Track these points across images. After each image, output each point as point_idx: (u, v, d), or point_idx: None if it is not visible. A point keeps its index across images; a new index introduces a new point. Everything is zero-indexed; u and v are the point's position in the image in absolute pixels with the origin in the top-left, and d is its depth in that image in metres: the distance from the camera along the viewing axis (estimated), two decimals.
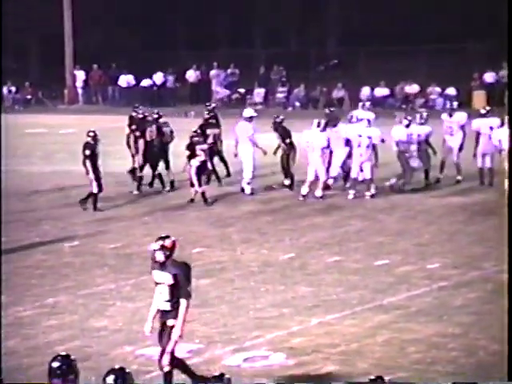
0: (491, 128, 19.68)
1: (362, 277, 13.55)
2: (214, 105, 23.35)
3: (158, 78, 39.98)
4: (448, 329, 11.25)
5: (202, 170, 18.69)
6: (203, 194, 18.60)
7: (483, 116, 20.22)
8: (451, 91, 36.25)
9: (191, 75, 40.45)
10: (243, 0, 44.36)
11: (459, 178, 20.10)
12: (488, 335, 11.03)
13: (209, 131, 20.44)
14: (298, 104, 38.25)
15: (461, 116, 20.80)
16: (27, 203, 19.48)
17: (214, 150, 20.20)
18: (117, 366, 7.06)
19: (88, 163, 18.31)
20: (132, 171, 20.74)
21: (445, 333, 11.12)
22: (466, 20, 40.20)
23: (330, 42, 45.72)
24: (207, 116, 21.14)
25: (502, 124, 19.28)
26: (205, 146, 19.01)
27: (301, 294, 12.78)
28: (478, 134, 19.83)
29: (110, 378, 6.92)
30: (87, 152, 18.33)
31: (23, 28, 43.27)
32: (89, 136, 18.64)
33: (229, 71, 40.27)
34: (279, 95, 39.15)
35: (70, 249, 15.59)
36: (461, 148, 20.20)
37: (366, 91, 37.71)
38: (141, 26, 44.13)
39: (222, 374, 8.38)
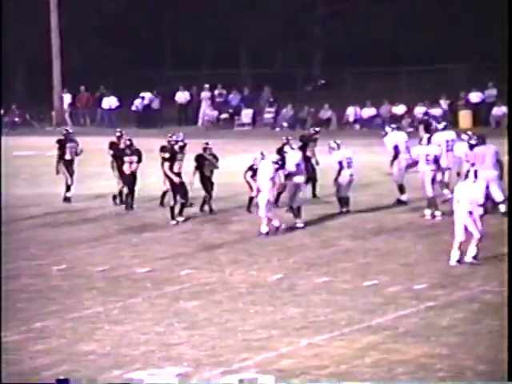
0: (447, 141, 20.21)
1: (351, 297, 13.53)
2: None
3: (147, 98, 39.99)
4: (435, 349, 11.23)
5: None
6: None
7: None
8: (436, 111, 36.41)
9: (180, 96, 40.51)
10: (229, 20, 44.51)
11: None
12: (475, 355, 11.03)
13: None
14: (285, 124, 38.32)
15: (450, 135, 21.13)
16: (13, 226, 19.36)
17: None
18: (61, 377, 6.98)
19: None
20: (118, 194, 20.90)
21: (432, 353, 11.10)
22: (450, 40, 40.42)
23: (316, 62, 45.90)
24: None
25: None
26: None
27: (289, 315, 12.74)
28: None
29: None
30: None
31: (10, 51, 43.29)
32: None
33: (216, 92, 40.35)
34: (267, 115, 39.25)
35: (58, 272, 15.51)
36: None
37: (351, 111, 37.87)
38: (128, 47, 44.20)
39: None
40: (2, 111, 40.97)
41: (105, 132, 35.44)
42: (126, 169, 20.27)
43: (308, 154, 20.67)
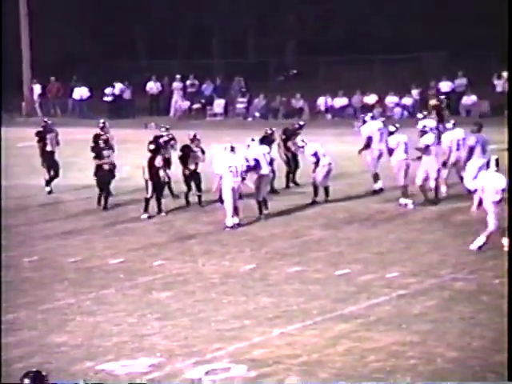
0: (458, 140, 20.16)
1: (323, 286, 13.57)
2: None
3: (117, 88, 39.89)
4: (407, 337, 11.31)
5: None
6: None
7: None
8: (407, 101, 36.56)
9: (152, 86, 40.39)
10: (202, 10, 44.43)
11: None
12: (445, 342, 11.12)
13: None
14: (257, 114, 38.33)
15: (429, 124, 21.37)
16: None
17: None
18: (34, 369, 7.01)
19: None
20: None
21: (403, 341, 11.18)
22: (421, 30, 40.56)
23: (288, 52, 45.90)
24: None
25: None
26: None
27: (262, 305, 12.77)
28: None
29: (27, 380, 6.92)
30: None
31: None
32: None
33: (188, 82, 40.28)
34: (239, 106, 39.21)
35: (29, 264, 15.47)
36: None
37: (322, 101, 37.94)
38: (100, 37, 44.02)
39: None
40: None
41: (77, 123, 35.39)
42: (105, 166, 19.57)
43: (289, 145, 20.85)
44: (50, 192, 21.44)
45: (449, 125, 21.08)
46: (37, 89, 40.95)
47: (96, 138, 20.97)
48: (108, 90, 39.69)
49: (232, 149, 18.04)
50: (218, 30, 45.98)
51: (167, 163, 19.26)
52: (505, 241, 14.84)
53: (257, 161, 18.26)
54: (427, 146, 18.58)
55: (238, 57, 43.53)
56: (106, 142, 20.39)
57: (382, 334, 11.44)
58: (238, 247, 16.15)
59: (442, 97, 32.83)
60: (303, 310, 12.47)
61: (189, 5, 43.91)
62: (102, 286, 13.95)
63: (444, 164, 19.73)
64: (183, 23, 45.07)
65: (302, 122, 22.22)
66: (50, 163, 21.50)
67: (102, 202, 19.50)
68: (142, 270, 14.90)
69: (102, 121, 22.57)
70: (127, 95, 39.94)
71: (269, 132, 20.70)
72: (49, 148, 21.62)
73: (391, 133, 19.51)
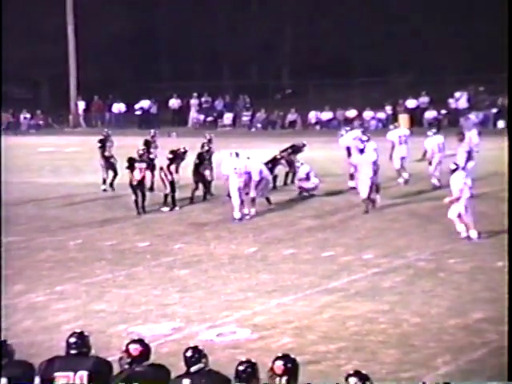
0: (399, 137, 20.82)
1: (312, 266, 13.53)
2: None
3: (146, 105, 39.88)
4: (379, 306, 11.28)
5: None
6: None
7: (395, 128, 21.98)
8: (381, 115, 36.51)
9: (173, 103, 40.39)
10: (215, 41, 44.43)
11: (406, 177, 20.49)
12: (410, 310, 11.09)
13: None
14: (259, 126, 38.29)
15: (397, 133, 21.35)
16: (39, 209, 19.32)
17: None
18: (78, 330, 6.92)
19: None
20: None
21: (376, 310, 11.15)
22: (392, 58, 40.50)
23: (284, 75, 45.89)
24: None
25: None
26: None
27: (262, 281, 12.74)
28: (393, 143, 20.75)
29: (73, 339, 6.76)
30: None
31: (36, 65, 43.07)
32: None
33: (203, 99, 40.26)
34: (244, 118, 39.17)
35: (75, 246, 15.48)
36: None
37: (312, 115, 37.90)
38: (131, 63, 44.00)
39: None
40: (29, 115, 40.69)
41: (112, 132, 35.25)
42: (136, 176, 18.23)
43: (292, 157, 20.62)
44: (105, 190, 20.91)
45: (430, 132, 21.06)
46: (81, 105, 41.03)
47: (146, 143, 20.84)
48: (138, 106, 39.70)
49: (237, 154, 17.97)
50: (227, 58, 45.99)
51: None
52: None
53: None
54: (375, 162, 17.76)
55: (244, 79, 43.49)
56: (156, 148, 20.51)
57: (359, 303, 11.43)
58: (243, 233, 16.11)
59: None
60: (296, 285, 12.45)
61: (203, 38, 43.95)
62: (133, 265, 13.95)
63: (430, 163, 19.80)
64: (199, 52, 45.07)
65: (305, 142, 21.85)
66: (108, 165, 21.15)
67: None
68: (164, 251, 14.90)
69: (152, 130, 22.67)
70: (154, 110, 39.96)
71: (301, 144, 20.90)
72: (107, 153, 21.31)
73: (363, 141, 19.50)
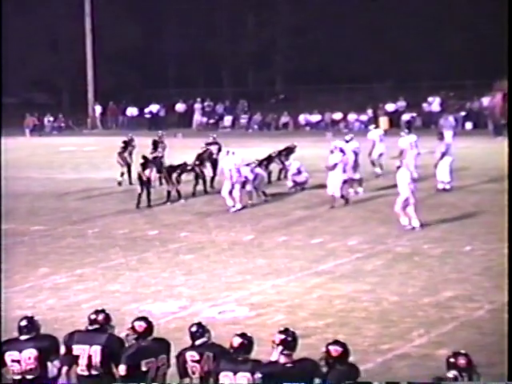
0: (379, 136, 21.00)
1: (302, 251, 13.52)
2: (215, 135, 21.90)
3: (154, 108, 39.81)
4: (362, 287, 11.30)
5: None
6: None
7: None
8: (364, 118, 36.47)
9: (179, 107, 40.31)
10: (216, 52, 44.39)
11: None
12: (388, 290, 11.11)
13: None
14: (256, 127, 38.24)
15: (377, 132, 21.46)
16: (61, 202, 19.29)
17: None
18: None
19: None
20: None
21: (359, 290, 11.17)
22: (374, 66, 40.46)
23: (278, 82, 45.84)
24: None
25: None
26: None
27: (258, 265, 12.73)
28: (374, 142, 20.92)
29: (93, 315, 6.83)
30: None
31: (57, 74, 43.00)
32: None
33: (206, 104, 40.18)
34: (242, 121, 39.10)
35: (92, 234, 15.46)
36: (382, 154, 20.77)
37: (303, 117, 37.85)
38: (142, 71, 43.92)
39: None
40: (52, 118, 40.61)
41: (125, 133, 35.22)
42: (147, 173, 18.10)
43: (282, 158, 20.53)
44: (120, 183, 20.69)
45: (403, 133, 21.06)
46: (98, 109, 40.94)
47: (155, 143, 20.86)
48: (147, 110, 39.62)
49: (233, 153, 17.90)
50: (227, 67, 45.97)
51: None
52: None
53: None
54: (335, 164, 17.37)
55: (242, 86, 43.46)
56: (164, 148, 20.46)
57: (344, 284, 11.45)
58: (241, 223, 16.07)
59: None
60: (288, 268, 12.45)
61: (205, 50, 43.95)
62: (143, 251, 13.94)
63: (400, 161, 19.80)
64: (202, 62, 45.00)
65: (296, 144, 21.80)
66: (125, 163, 20.94)
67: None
68: (171, 239, 14.88)
69: (160, 131, 22.62)
70: (162, 113, 39.86)
71: (293, 146, 20.82)
72: (126, 154, 21.04)
73: (347, 141, 19.53)
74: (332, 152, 17.65)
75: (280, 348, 5.99)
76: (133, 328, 6.57)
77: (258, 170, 18.26)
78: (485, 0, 39.66)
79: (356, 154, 19.02)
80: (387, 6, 41.23)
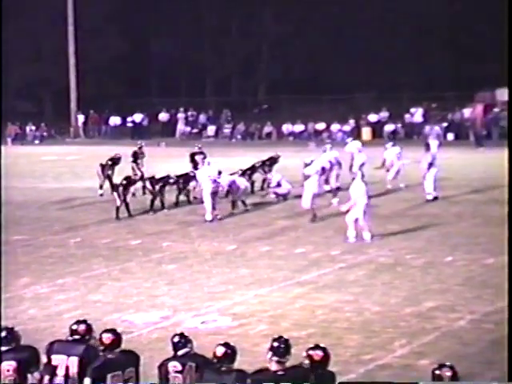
0: (357, 148, 21.17)
1: (285, 261, 13.51)
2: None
3: (138, 118, 39.74)
4: (344, 297, 11.30)
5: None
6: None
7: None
8: (347, 128, 36.63)
9: (163, 116, 40.27)
10: (199, 61, 44.46)
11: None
12: (371, 300, 11.11)
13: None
14: (239, 137, 38.27)
15: (355, 145, 21.40)
16: (43, 211, 19.17)
17: None
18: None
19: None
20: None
21: (342, 300, 11.17)
22: (356, 78, 40.70)
23: (261, 92, 45.97)
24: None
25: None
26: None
27: (241, 275, 12.70)
28: (352, 154, 21.06)
29: (75, 326, 6.74)
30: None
31: (40, 83, 42.87)
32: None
33: (189, 113, 40.17)
34: (226, 130, 39.13)
35: (74, 243, 15.37)
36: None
37: (286, 127, 37.96)
38: (125, 80, 43.86)
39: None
40: (34, 127, 40.45)
41: (108, 142, 35.25)
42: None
43: (266, 169, 20.58)
44: (101, 195, 20.46)
45: (388, 145, 21.18)
46: (80, 118, 40.87)
47: (134, 155, 20.82)
48: (131, 119, 39.56)
49: (208, 163, 17.86)
50: (210, 77, 46.05)
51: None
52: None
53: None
54: (308, 176, 17.39)
55: (225, 96, 43.52)
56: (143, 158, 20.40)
57: (327, 295, 11.43)
58: (224, 233, 16.04)
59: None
60: (271, 278, 12.43)
61: (189, 58, 43.98)
62: (126, 260, 13.88)
63: (387, 170, 20.00)
64: (186, 71, 45.07)
65: (280, 154, 21.83)
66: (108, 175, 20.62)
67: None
68: (154, 249, 14.83)
69: (139, 142, 22.53)
70: (145, 122, 39.83)
71: (277, 156, 20.83)
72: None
73: (324, 151, 19.69)
74: (307, 165, 17.63)
75: (270, 354, 5.99)
76: (100, 340, 6.51)
77: (240, 181, 18.23)
78: (466, 14, 40.12)
79: (332, 164, 19.10)
80: (370, 18, 41.57)
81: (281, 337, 6.18)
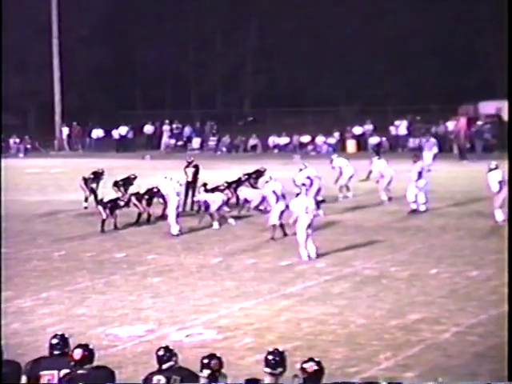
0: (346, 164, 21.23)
1: (271, 274, 13.50)
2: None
3: (123, 131, 39.69)
4: (329, 309, 11.30)
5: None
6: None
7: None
8: (332, 140, 36.76)
9: (148, 129, 40.25)
10: (185, 74, 44.56)
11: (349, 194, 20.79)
12: (356, 313, 11.12)
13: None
14: (224, 149, 38.30)
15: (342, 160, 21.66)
16: (27, 224, 19.06)
17: None
18: (59, 332, 6.83)
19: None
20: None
21: (327, 312, 11.17)
22: (341, 90, 40.93)
23: (246, 105, 46.09)
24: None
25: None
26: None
27: (227, 287, 12.69)
28: (341, 168, 21.13)
29: (55, 340, 6.73)
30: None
31: (24, 95, 42.75)
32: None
33: (174, 126, 40.18)
34: (211, 143, 39.15)
35: (59, 257, 15.31)
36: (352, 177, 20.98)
37: (272, 140, 38.05)
38: (110, 93, 43.85)
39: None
40: (18, 140, 40.29)
41: (92, 155, 35.17)
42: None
43: (252, 181, 20.61)
44: (85, 208, 20.31)
45: (374, 158, 21.30)
46: (65, 131, 40.74)
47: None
48: (116, 132, 39.50)
49: (171, 178, 17.86)
50: (195, 90, 46.14)
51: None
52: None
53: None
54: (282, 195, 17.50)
55: (210, 108, 43.59)
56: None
57: (312, 307, 11.44)
58: (209, 245, 16.01)
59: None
60: (256, 291, 12.42)
61: (174, 71, 44.06)
62: (111, 273, 13.83)
63: (377, 182, 20.10)
64: (171, 84, 45.13)
65: (265, 167, 21.82)
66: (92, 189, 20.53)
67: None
68: (139, 261, 14.79)
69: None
70: (130, 135, 39.75)
71: (263, 169, 20.84)
72: (93, 184, 20.65)
73: (301, 169, 19.70)
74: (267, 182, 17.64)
75: (264, 365, 5.98)
76: (71, 355, 6.47)
77: (216, 196, 18.12)
78: (451, 27, 40.49)
79: (311, 180, 19.19)
80: (355, 31, 41.85)
81: (276, 349, 6.17)
